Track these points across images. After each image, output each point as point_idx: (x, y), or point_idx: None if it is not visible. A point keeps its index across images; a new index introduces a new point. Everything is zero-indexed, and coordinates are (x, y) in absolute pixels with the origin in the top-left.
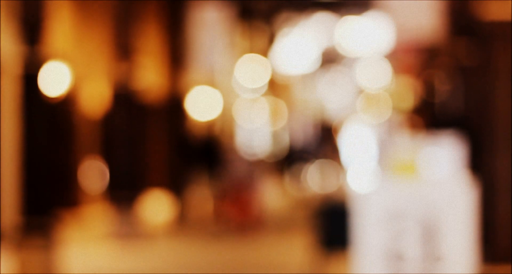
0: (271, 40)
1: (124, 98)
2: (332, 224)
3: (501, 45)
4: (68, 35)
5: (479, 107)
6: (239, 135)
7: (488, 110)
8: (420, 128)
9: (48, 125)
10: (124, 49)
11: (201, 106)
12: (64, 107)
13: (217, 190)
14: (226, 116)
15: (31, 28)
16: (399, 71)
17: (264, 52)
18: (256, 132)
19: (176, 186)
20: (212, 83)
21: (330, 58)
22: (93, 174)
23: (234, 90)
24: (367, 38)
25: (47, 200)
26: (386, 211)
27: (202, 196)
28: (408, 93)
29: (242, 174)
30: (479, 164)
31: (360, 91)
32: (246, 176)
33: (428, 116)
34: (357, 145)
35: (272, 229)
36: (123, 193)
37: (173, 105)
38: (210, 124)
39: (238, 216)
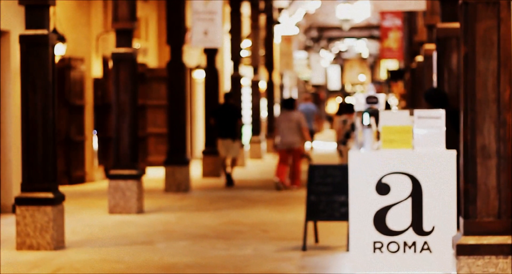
0: (269, 17)
1: (124, 67)
2: (319, 192)
3: (484, 9)
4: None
5: (460, 74)
6: (246, 101)
7: (469, 76)
8: (404, 97)
9: (48, 94)
10: (125, 18)
11: (206, 74)
12: (64, 74)
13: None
14: (231, 84)
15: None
16: (384, 41)
17: (263, 29)
18: (258, 103)
19: (178, 152)
20: (215, 52)
21: (321, 36)
22: (94, 145)
23: (238, 60)
24: (356, 16)
25: (49, 173)
26: (376, 179)
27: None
28: (392, 62)
29: (287, 137)
30: (459, 135)
31: (349, 63)
32: (290, 138)
33: (411, 84)
34: (349, 114)
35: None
36: (126, 164)
37: (178, 73)
38: (218, 92)
39: (290, 176)
